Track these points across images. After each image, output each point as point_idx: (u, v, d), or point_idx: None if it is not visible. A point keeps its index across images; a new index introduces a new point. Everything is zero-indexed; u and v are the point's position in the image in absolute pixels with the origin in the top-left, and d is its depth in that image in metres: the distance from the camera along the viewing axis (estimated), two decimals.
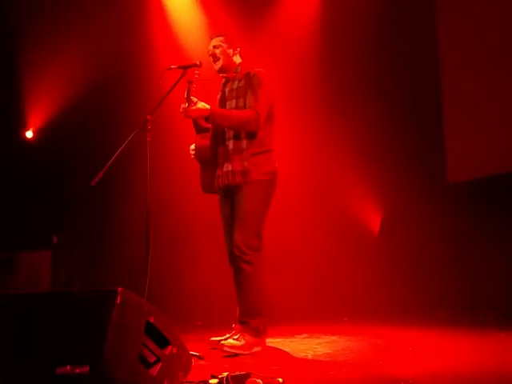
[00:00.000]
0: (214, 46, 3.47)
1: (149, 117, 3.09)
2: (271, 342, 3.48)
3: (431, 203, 5.33)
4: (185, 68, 3.24)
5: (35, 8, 5.31)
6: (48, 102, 5.60)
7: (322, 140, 5.62)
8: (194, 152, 3.53)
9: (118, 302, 1.95)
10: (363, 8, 5.54)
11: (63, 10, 5.38)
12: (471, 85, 5.16)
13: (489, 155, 4.96)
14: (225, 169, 3.34)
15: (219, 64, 3.45)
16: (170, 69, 3.27)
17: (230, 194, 3.40)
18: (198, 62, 3.28)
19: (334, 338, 3.69)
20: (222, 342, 3.20)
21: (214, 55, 3.45)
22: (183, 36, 5.67)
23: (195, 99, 3.20)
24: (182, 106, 3.23)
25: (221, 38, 3.48)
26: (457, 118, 5.36)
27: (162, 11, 5.79)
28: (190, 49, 5.38)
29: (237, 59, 3.49)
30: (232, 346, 3.15)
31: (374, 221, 5.79)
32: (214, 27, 5.44)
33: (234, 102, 3.39)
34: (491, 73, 4.94)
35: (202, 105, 3.22)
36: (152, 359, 2.08)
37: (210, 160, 3.45)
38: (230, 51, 3.46)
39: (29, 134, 5.74)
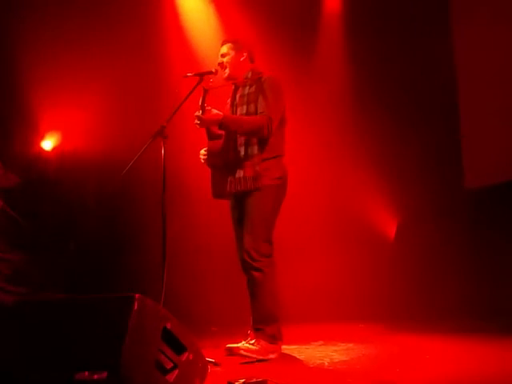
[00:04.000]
0: (222, 55, 3.46)
1: (165, 124, 3.10)
2: (287, 348, 3.46)
3: (448, 209, 5.29)
4: (201, 75, 3.23)
5: (55, 15, 5.37)
6: (64, 109, 5.64)
7: (338, 145, 5.62)
8: (204, 157, 3.49)
9: (136, 308, 1.96)
10: (381, 18, 5.57)
11: (81, 19, 5.44)
12: (488, 88, 5.12)
13: (507, 160, 4.91)
14: (237, 175, 3.32)
15: (226, 73, 3.44)
16: (187, 76, 3.27)
17: (240, 200, 3.39)
18: (213, 70, 3.29)
19: (350, 345, 3.66)
20: (238, 345, 3.20)
21: (221, 64, 3.44)
22: (200, 43, 5.70)
23: (209, 107, 3.20)
24: (196, 113, 3.24)
25: (229, 45, 3.46)
26: (474, 122, 5.32)
27: (177, 19, 5.82)
28: (206, 56, 5.40)
29: (247, 64, 3.46)
30: (248, 350, 3.15)
31: (389, 226, 5.76)
32: (230, 33, 5.46)
33: (244, 107, 3.37)
34: (508, 77, 4.89)
35: (215, 112, 3.22)
36: (169, 365, 2.09)
37: (221, 166, 3.44)
38: (240, 57, 3.44)
39: (46, 145, 5.78)
